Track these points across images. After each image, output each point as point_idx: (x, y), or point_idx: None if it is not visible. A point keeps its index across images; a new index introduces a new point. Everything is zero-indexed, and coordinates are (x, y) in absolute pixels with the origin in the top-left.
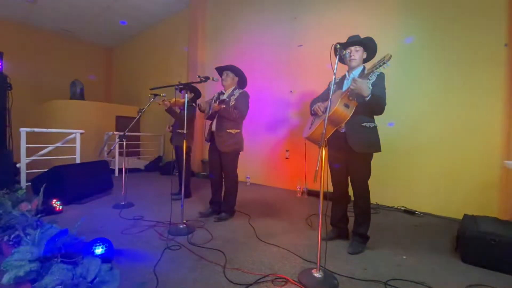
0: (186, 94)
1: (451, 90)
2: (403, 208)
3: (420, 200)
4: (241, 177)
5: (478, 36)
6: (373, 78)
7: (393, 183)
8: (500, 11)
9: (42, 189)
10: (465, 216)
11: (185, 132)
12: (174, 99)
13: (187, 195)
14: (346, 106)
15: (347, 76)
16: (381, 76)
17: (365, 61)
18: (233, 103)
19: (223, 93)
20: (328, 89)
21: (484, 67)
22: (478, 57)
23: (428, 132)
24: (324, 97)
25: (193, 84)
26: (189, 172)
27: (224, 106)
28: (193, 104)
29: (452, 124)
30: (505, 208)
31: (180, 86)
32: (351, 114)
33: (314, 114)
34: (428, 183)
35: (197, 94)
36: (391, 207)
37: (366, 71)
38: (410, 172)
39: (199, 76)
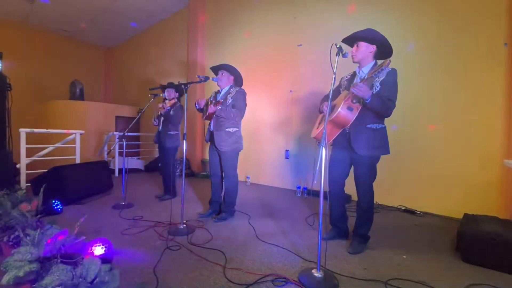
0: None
1: (451, 89)
2: (403, 208)
3: (420, 200)
4: (241, 177)
5: (478, 36)
6: (382, 76)
7: (393, 182)
8: (500, 10)
9: (41, 189)
10: (466, 215)
11: (185, 132)
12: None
13: (174, 194)
14: (350, 109)
15: (357, 73)
16: (391, 73)
17: (377, 54)
18: (230, 101)
19: (220, 92)
20: (340, 85)
21: (484, 66)
22: (478, 56)
23: (428, 132)
24: (335, 93)
25: (193, 83)
26: (175, 172)
27: (219, 107)
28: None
29: (452, 123)
30: (505, 207)
31: (164, 85)
32: (354, 117)
33: (322, 112)
34: (428, 183)
35: (180, 93)
36: (391, 206)
37: (367, 76)
38: (410, 172)
39: (198, 76)
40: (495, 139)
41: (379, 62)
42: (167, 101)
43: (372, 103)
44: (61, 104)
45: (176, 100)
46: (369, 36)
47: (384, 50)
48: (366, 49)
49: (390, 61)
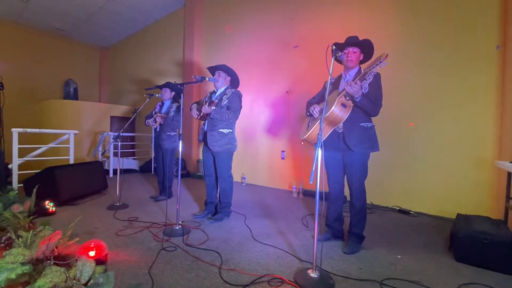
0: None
1: (444, 91)
2: (397, 208)
3: (414, 200)
4: (237, 177)
5: (470, 38)
6: (369, 78)
7: (388, 183)
8: (492, 13)
9: (34, 190)
10: (458, 215)
11: (180, 133)
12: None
13: (170, 195)
14: (343, 106)
15: (343, 76)
16: (377, 76)
17: (361, 62)
18: (225, 103)
19: (215, 93)
20: (324, 89)
21: (476, 69)
22: (470, 58)
23: (422, 133)
24: (320, 97)
25: (189, 84)
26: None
27: (214, 107)
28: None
29: (445, 124)
30: (497, 207)
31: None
32: (348, 114)
33: (310, 115)
34: (422, 183)
35: (178, 93)
36: (386, 207)
37: (362, 71)
38: (404, 173)
39: (194, 77)
40: (487, 141)
41: (362, 67)
42: (159, 117)
43: (361, 102)
44: (55, 104)
45: (171, 101)
46: (363, 45)
47: (366, 60)
48: (358, 56)
49: (387, 54)
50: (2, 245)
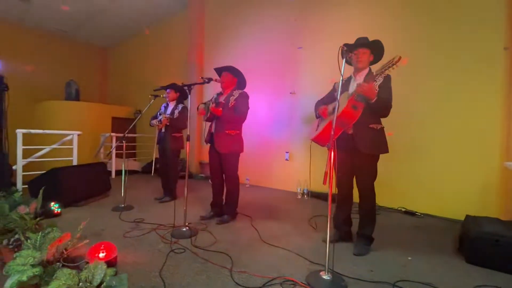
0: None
1: (451, 92)
2: (403, 209)
3: (420, 201)
4: (240, 178)
5: (478, 39)
6: (379, 80)
7: (393, 184)
8: (500, 15)
9: (41, 191)
10: (467, 216)
11: (188, 134)
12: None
13: (174, 196)
14: (354, 107)
15: (353, 77)
16: (387, 78)
17: (371, 63)
18: (232, 104)
19: (222, 94)
20: (334, 90)
21: (484, 70)
22: (477, 60)
23: (428, 134)
24: (329, 98)
25: (194, 85)
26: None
27: (220, 109)
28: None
29: (452, 125)
30: (506, 208)
31: (169, 85)
32: (358, 115)
33: (319, 116)
34: (428, 184)
35: (183, 94)
36: (392, 208)
37: (374, 73)
38: (409, 173)
39: (202, 78)
40: (495, 141)
41: (372, 68)
42: (163, 117)
43: (377, 102)
44: (57, 105)
45: (176, 102)
46: (374, 46)
47: (375, 61)
48: (368, 57)
49: (400, 57)
50: (11, 246)
